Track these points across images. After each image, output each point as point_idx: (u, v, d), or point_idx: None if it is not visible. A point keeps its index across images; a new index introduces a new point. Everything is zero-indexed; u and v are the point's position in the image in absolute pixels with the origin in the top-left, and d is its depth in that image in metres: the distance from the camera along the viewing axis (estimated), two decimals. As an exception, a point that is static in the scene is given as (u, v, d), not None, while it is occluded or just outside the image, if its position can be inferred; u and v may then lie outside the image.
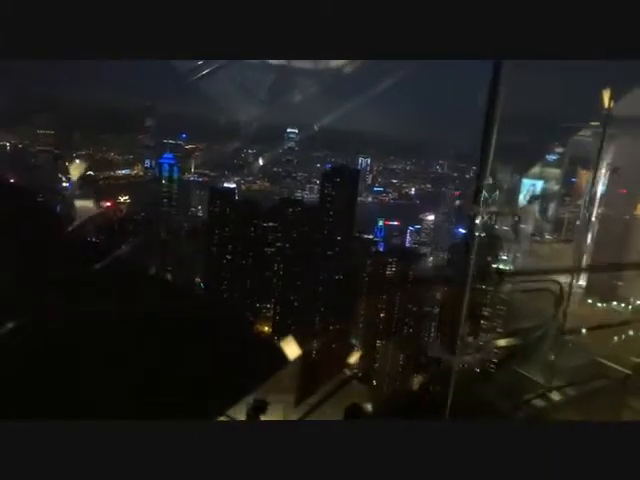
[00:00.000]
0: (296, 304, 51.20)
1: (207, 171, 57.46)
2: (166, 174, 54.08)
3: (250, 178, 58.47)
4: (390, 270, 46.86)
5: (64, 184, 49.63)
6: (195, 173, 57.68)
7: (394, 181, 61.63)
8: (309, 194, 58.06)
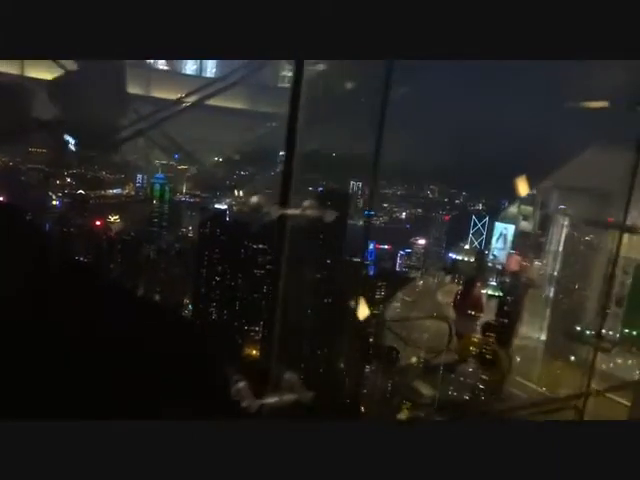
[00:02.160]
0: (284, 327, 50.72)
1: (199, 192, 57.57)
2: (157, 194, 54.02)
3: (242, 200, 58.61)
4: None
5: (54, 202, 49.35)
6: (187, 194, 57.70)
7: (385, 205, 62.16)
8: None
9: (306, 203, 2.60)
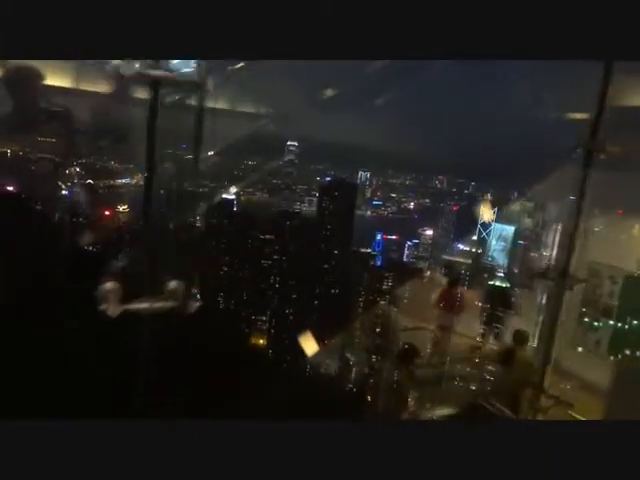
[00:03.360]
0: (291, 317, 50.91)
1: (207, 182, 57.53)
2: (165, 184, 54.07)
3: (250, 190, 58.68)
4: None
5: (63, 192, 49.52)
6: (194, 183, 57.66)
7: (393, 195, 61.90)
8: (308, 207, 58.18)
9: (171, 285, 2.21)
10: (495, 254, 48.39)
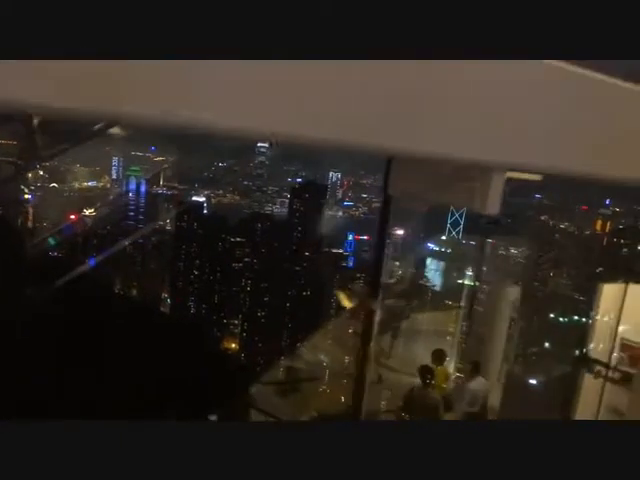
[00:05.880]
0: (263, 320, 50.72)
1: (176, 184, 56.82)
2: (133, 187, 53.22)
3: (220, 192, 58.25)
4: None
5: (26, 196, 48.16)
6: (164, 186, 56.92)
7: (364, 195, 62.33)
8: (280, 208, 58.13)
9: None
10: (430, 274, 46.05)
